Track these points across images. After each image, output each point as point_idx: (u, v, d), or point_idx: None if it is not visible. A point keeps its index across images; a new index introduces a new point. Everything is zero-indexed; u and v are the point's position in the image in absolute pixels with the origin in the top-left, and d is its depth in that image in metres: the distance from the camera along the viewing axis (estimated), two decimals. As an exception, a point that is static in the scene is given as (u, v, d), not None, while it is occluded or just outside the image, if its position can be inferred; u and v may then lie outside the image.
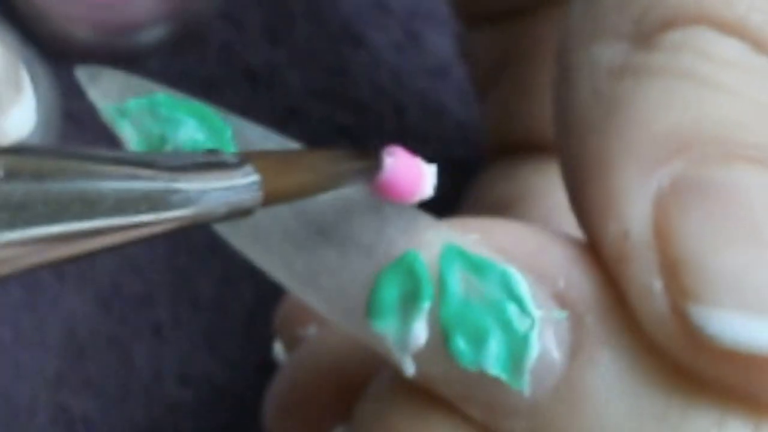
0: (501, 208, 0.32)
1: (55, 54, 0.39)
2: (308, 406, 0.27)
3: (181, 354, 0.37)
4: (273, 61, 0.39)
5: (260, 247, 0.21)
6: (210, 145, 0.21)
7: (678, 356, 0.20)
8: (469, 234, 0.20)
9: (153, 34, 0.39)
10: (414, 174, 0.21)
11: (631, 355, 0.20)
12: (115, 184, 0.17)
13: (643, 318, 0.20)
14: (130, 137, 0.21)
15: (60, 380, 0.37)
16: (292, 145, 0.21)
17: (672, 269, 0.19)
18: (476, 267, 0.20)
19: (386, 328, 0.20)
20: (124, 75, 0.22)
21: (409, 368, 0.20)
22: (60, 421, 0.37)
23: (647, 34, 0.21)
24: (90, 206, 0.17)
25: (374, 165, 0.21)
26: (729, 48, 0.21)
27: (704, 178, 0.20)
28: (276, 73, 0.39)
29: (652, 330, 0.20)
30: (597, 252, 0.20)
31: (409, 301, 0.20)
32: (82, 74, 0.22)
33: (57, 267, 0.35)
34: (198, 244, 0.37)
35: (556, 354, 0.20)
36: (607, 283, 0.20)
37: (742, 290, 0.19)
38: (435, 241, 0.20)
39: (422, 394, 0.21)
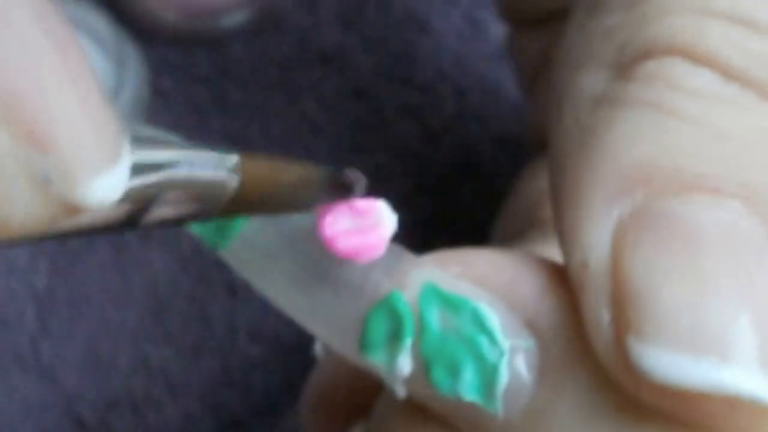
0: (537, 202, 0.33)
1: (146, 34, 0.40)
2: (332, 405, 0.29)
3: (253, 313, 0.39)
4: (344, 45, 0.40)
5: (266, 283, 0.22)
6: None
7: (623, 387, 0.20)
8: (450, 267, 0.22)
9: (235, 19, 0.40)
10: (365, 237, 0.22)
11: (589, 383, 0.21)
12: None
13: (595, 348, 0.20)
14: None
15: (142, 334, 0.39)
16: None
17: (620, 302, 0.20)
18: (451, 304, 0.21)
19: (377, 360, 0.22)
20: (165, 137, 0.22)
21: (401, 392, 0.22)
22: (140, 371, 0.39)
23: (626, 64, 0.21)
24: None
25: (348, 189, 0.22)
26: (699, 78, 0.21)
27: (659, 209, 0.20)
28: (347, 56, 0.40)
29: (602, 360, 0.20)
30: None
31: (395, 337, 0.21)
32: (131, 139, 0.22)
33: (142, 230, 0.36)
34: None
35: (526, 378, 0.21)
36: (574, 313, 0.21)
37: (676, 328, 0.19)
38: (416, 280, 0.21)
39: (420, 407, 0.22)
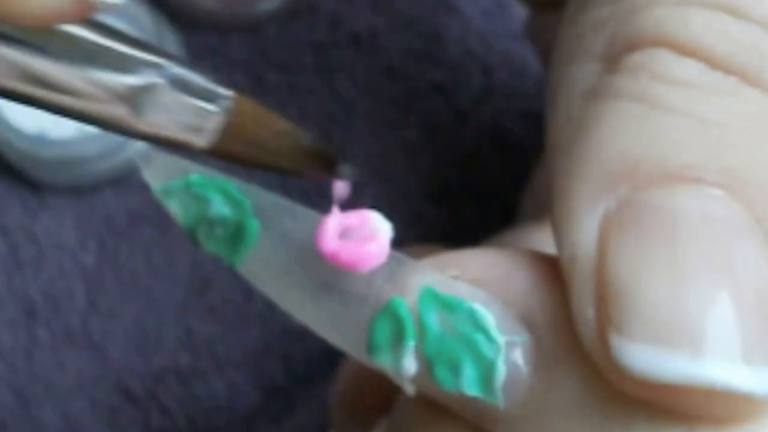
0: None
1: (184, 20, 0.41)
2: (357, 402, 0.30)
3: None
4: (375, 27, 0.41)
5: (280, 296, 0.23)
6: (234, 217, 0.23)
7: (609, 379, 0.20)
8: (447, 270, 0.22)
9: (270, 4, 0.41)
10: (364, 247, 0.23)
11: (582, 373, 0.21)
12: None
13: (582, 341, 0.20)
14: (176, 212, 0.24)
15: (186, 308, 0.40)
16: (308, 213, 0.23)
17: (603, 298, 0.20)
18: (448, 306, 0.22)
19: (384, 362, 0.22)
20: (173, 158, 0.23)
21: (410, 390, 0.22)
22: (186, 344, 0.40)
23: (615, 56, 0.21)
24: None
25: (331, 165, 0.23)
26: (683, 68, 0.21)
27: (641, 202, 0.20)
28: (378, 37, 0.41)
29: (589, 354, 0.20)
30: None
31: (398, 340, 0.22)
32: (138, 157, 0.24)
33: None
34: (308, 190, 0.39)
35: (523, 370, 0.21)
36: (565, 305, 0.21)
37: (653, 323, 0.19)
38: (415, 285, 0.22)
39: (432, 401, 0.23)
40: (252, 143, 0.21)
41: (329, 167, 0.23)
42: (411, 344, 0.22)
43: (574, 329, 0.21)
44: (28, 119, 0.40)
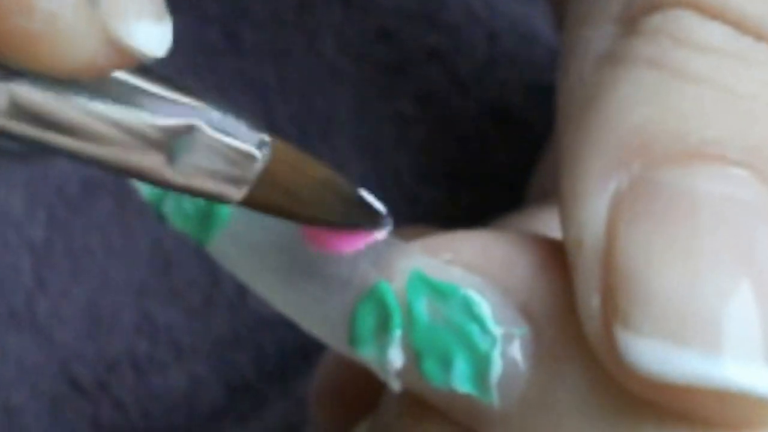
0: None
1: None
2: (339, 400, 0.29)
3: None
4: None
5: (253, 278, 0.23)
6: None
7: (614, 376, 0.19)
8: (439, 254, 0.21)
9: None
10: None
11: (586, 370, 0.20)
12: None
13: (586, 334, 0.20)
14: (139, 183, 0.23)
15: (145, 290, 0.38)
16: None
17: (610, 286, 0.19)
18: (439, 292, 0.21)
19: (367, 354, 0.22)
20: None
21: (396, 386, 0.22)
22: (144, 330, 0.37)
23: (633, 18, 0.21)
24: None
25: (372, 226, 0.22)
26: (708, 32, 0.20)
27: (657, 181, 0.19)
28: None
29: (592, 347, 0.20)
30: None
31: (384, 329, 0.21)
32: None
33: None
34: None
35: (521, 365, 0.21)
36: (570, 295, 0.20)
37: (664, 315, 0.19)
38: (404, 269, 0.21)
39: (420, 400, 0.22)
40: (289, 193, 0.21)
41: (370, 218, 0.22)
42: (397, 334, 0.21)
43: (579, 322, 0.20)
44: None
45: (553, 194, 0.31)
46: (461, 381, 0.21)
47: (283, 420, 0.36)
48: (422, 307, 0.21)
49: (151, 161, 0.19)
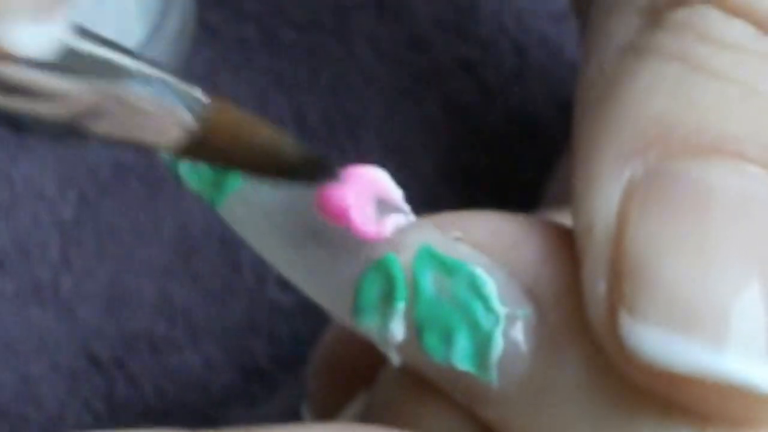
0: None
1: None
2: (338, 372, 0.28)
3: None
4: None
5: (261, 241, 0.22)
6: None
7: (615, 364, 0.19)
8: (449, 230, 0.21)
9: None
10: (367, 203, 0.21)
11: (587, 356, 0.20)
12: None
13: (590, 321, 0.19)
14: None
15: (168, 273, 0.38)
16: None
17: (618, 272, 0.19)
18: (447, 268, 0.20)
19: (369, 324, 0.21)
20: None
21: (395, 359, 0.21)
22: (163, 311, 0.38)
23: (658, 11, 0.20)
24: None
25: (324, 177, 0.21)
26: (732, 30, 0.19)
27: (672, 172, 0.19)
28: (405, 3, 0.39)
29: (595, 333, 0.19)
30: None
31: (387, 301, 0.21)
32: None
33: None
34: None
35: (523, 347, 0.20)
36: (577, 280, 0.20)
37: (670, 304, 0.18)
38: (413, 243, 0.21)
39: (419, 377, 0.21)
40: (227, 150, 0.20)
41: (320, 173, 0.21)
42: (401, 306, 0.21)
43: (583, 308, 0.19)
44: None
45: (565, 201, 0.32)
46: (461, 358, 0.20)
47: (293, 406, 0.34)
48: (428, 282, 0.20)
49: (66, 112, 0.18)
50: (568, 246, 0.20)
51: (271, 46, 0.39)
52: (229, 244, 0.38)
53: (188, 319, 0.38)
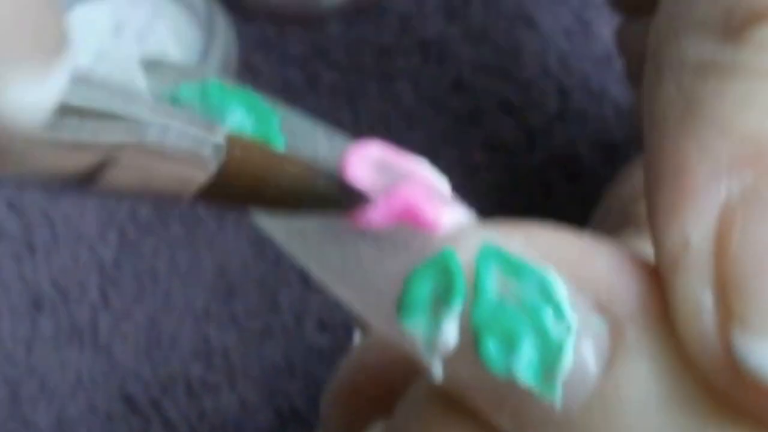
0: (632, 199, 0.31)
1: (243, 10, 0.40)
2: (354, 398, 0.27)
3: (323, 302, 0.37)
4: (446, 35, 0.39)
5: (293, 237, 0.20)
6: (257, 132, 0.20)
7: (715, 379, 0.18)
8: (511, 237, 0.19)
9: (335, 0, 0.40)
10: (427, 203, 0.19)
11: (669, 373, 0.18)
12: None
13: (685, 334, 0.18)
14: None
15: (206, 314, 0.38)
16: (338, 137, 0.20)
17: (724, 287, 0.18)
18: (514, 268, 0.18)
19: (416, 326, 0.19)
20: (181, 65, 0.21)
21: (438, 371, 0.19)
22: (200, 353, 0.37)
23: (736, 28, 0.20)
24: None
25: (351, 202, 0.20)
26: None
27: None
28: (448, 46, 0.39)
29: (692, 348, 0.18)
30: (655, 259, 0.19)
31: (441, 299, 0.18)
32: (142, 63, 0.21)
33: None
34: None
35: (592, 366, 0.18)
36: (654, 295, 0.19)
37: None
38: (473, 240, 0.19)
39: (452, 404, 0.20)
40: (248, 194, 0.18)
41: (350, 200, 0.19)
42: (458, 306, 0.18)
43: (666, 324, 0.18)
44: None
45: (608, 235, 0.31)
46: (524, 369, 0.18)
47: (329, 449, 0.35)
48: (491, 281, 0.18)
49: (78, 166, 0.16)
50: (637, 261, 0.19)
51: (314, 88, 0.39)
52: (268, 285, 0.38)
53: (225, 360, 0.37)
